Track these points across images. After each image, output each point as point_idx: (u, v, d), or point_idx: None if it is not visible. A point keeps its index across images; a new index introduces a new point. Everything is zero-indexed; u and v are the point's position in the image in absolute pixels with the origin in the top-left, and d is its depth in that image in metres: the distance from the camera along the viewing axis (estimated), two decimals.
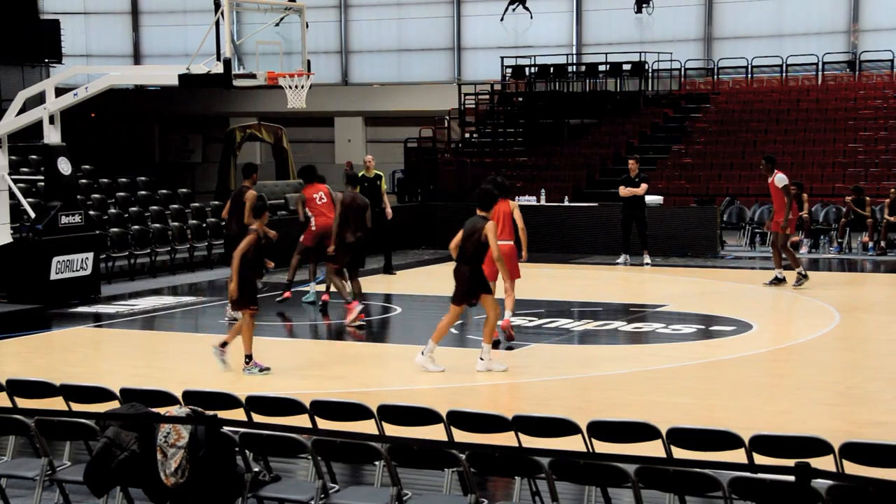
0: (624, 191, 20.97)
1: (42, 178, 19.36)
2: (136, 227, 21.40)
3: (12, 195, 18.25)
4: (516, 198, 19.76)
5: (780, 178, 17.78)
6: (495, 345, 12.97)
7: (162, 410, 7.44)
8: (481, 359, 12.30)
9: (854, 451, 7.09)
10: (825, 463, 6.85)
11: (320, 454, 7.36)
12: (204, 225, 22.56)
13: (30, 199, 19.25)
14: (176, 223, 22.21)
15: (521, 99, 32.72)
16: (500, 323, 14.10)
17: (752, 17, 32.79)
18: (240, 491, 7.30)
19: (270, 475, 7.62)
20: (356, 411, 8.14)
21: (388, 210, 19.78)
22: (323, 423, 8.18)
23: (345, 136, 37.35)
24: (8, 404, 8.97)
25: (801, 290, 17.74)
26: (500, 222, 13.88)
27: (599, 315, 16.05)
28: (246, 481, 7.34)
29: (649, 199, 21.86)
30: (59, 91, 18.16)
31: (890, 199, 22.43)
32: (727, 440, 7.32)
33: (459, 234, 12.33)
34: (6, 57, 32.87)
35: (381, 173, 19.99)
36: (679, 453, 7.43)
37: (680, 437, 7.47)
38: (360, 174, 19.93)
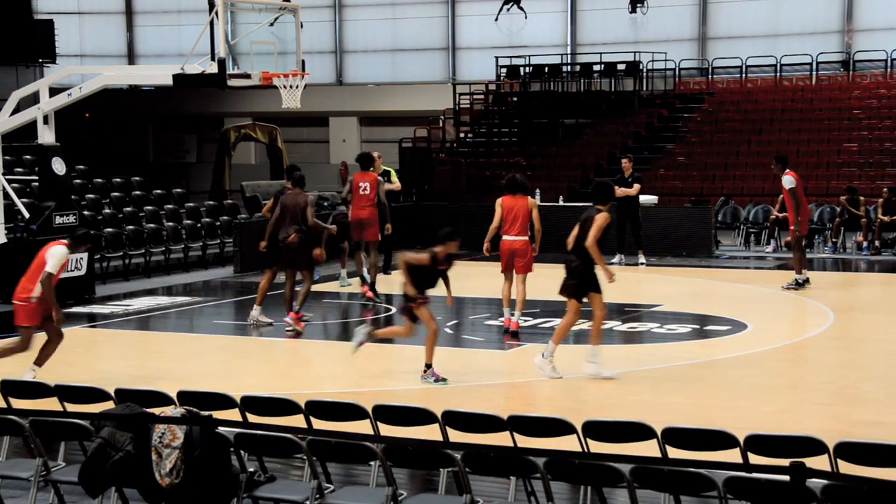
0: (618, 191, 20.96)
1: (36, 178, 19.31)
2: (131, 227, 21.36)
3: (6, 195, 18.21)
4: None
5: (787, 180, 17.51)
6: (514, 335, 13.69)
7: (157, 411, 7.44)
8: (590, 362, 12.03)
9: (848, 450, 7.10)
10: (820, 462, 6.86)
11: (315, 454, 7.36)
12: (199, 225, 22.53)
13: (24, 200, 19.21)
14: (171, 223, 22.18)
15: (515, 99, 32.71)
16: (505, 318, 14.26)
17: (747, 17, 32.78)
18: (235, 491, 7.30)
19: (265, 475, 7.61)
20: (351, 411, 8.14)
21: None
22: (318, 424, 8.18)
23: (339, 135, 37.28)
24: (2, 405, 8.97)
25: (794, 290, 17.74)
26: (517, 217, 14.17)
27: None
28: (241, 482, 7.34)
29: (644, 199, 21.84)
30: (54, 91, 18.12)
31: (884, 198, 22.43)
32: (722, 440, 7.33)
33: (575, 229, 12.18)
34: (0, 57, 32.81)
35: (389, 169, 19.81)
36: (674, 453, 7.43)
37: (675, 436, 7.48)
38: None
